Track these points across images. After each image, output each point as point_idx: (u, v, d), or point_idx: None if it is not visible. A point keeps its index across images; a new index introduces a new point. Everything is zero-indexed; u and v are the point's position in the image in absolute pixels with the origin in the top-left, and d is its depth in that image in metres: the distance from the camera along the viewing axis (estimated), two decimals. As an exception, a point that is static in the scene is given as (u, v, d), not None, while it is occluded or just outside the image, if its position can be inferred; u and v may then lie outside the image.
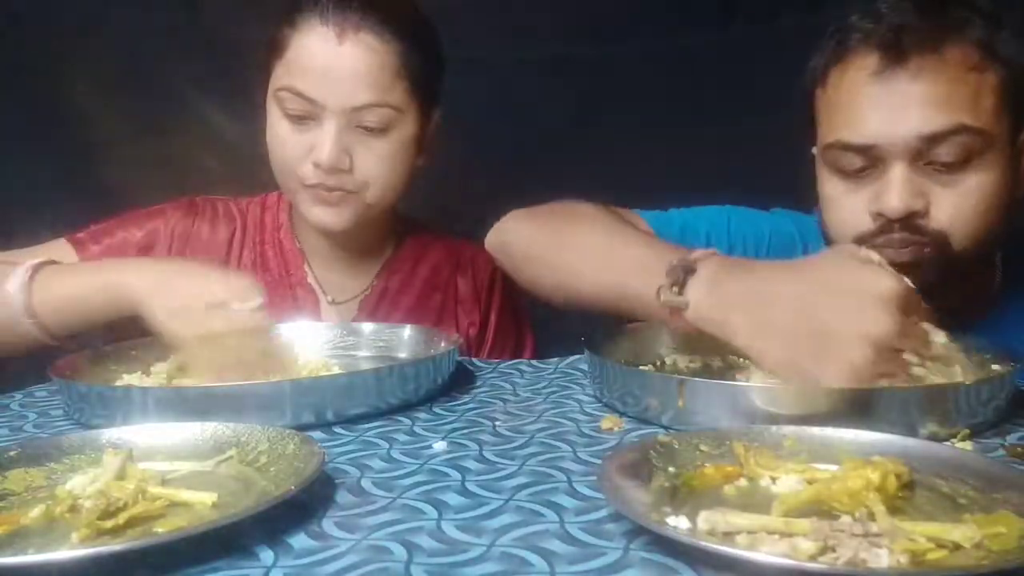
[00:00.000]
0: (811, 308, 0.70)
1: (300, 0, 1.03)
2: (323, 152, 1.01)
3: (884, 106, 0.88)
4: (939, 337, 0.72)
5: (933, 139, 0.86)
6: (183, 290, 0.86)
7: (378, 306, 1.15)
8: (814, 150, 0.98)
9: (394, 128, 1.04)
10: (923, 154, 0.87)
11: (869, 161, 0.89)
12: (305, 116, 1.02)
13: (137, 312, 0.87)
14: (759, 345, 0.73)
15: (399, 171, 1.08)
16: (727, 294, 0.76)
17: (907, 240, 0.88)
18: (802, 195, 1.06)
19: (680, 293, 0.77)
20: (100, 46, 1.46)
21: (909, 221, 0.88)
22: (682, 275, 0.78)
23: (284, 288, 1.14)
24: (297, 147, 1.03)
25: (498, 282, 1.23)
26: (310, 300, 1.14)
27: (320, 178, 1.02)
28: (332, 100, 1.01)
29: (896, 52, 0.87)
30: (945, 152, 0.86)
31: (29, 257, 0.94)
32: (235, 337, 0.83)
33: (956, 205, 0.87)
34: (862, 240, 0.90)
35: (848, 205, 0.92)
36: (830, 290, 0.71)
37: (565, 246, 0.97)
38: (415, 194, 1.15)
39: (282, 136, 1.04)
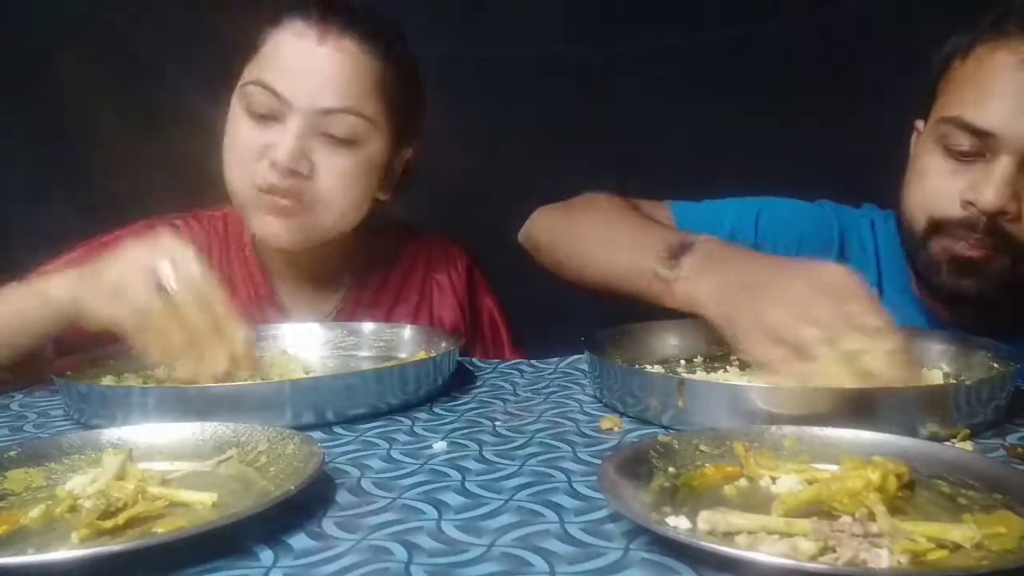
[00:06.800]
0: (771, 296, 0.74)
1: (285, 3, 0.99)
2: (282, 149, 0.94)
3: (1020, 97, 0.85)
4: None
5: None
6: (109, 271, 0.79)
7: (352, 320, 1.08)
8: (919, 124, 0.96)
9: (361, 144, 0.98)
10: None
11: (979, 147, 0.87)
12: (269, 115, 0.96)
13: (74, 317, 0.82)
14: (724, 320, 0.78)
15: (357, 193, 1.01)
16: (714, 272, 0.82)
17: (984, 240, 0.87)
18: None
19: (673, 269, 0.84)
20: (100, 46, 1.46)
21: (995, 221, 0.86)
22: (678, 252, 0.85)
23: (253, 307, 1.07)
24: (255, 147, 0.96)
25: (475, 271, 1.20)
26: (279, 319, 1.08)
27: (274, 179, 0.95)
28: (300, 99, 0.95)
29: None
30: None
31: None
32: (184, 307, 0.76)
33: None
34: (942, 224, 0.89)
35: (941, 185, 0.90)
36: (792, 286, 0.74)
37: (577, 234, 1.06)
38: (419, 196, 1.14)
39: (241, 134, 0.98)
